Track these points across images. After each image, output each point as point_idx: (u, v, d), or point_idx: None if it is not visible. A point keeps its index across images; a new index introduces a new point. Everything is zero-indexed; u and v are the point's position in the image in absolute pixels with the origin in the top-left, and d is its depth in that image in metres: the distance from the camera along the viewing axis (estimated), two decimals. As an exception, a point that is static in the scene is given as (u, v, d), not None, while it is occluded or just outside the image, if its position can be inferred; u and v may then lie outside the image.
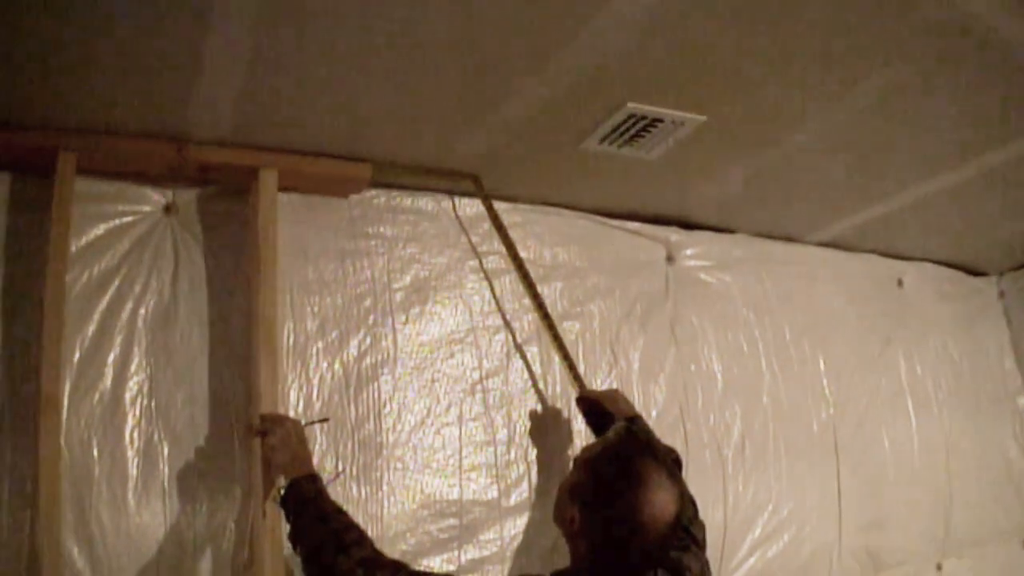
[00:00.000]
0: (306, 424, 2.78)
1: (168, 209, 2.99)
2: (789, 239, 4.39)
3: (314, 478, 2.52)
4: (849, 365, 4.37)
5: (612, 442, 2.47)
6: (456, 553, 3.09)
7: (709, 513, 3.53)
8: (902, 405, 4.55)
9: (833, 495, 4.06)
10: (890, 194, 3.91)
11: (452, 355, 3.30)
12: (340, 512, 2.43)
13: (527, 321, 3.46)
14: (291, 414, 2.90)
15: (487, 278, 3.45)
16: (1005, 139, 3.39)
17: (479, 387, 3.31)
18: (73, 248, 2.77)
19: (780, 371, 4.09)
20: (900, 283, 4.78)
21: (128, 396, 2.79)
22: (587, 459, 2.43)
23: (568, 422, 3.43)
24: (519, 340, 3.44)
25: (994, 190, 3.87)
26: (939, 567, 4.44)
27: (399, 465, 3.08)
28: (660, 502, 2.21)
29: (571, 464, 2.55)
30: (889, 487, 4.30)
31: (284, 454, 2.58)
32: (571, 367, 3.25)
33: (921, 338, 4.75)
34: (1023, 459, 5.00)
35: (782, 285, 4.26)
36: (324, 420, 2.97)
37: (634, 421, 2.99)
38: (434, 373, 3.25)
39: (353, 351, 3.12)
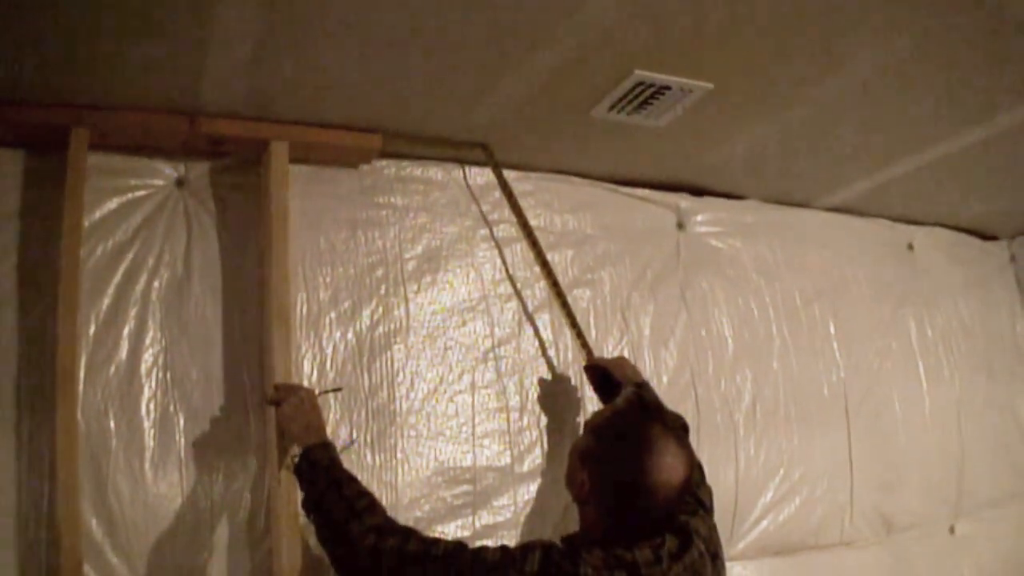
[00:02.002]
0: (320, 393, 2.80)
1: (180, 182, 3.02)
2: (799, 204, 4.38)
3: (327, 446, 2.54)
4: (860, 329, 4.37)
5: (621, 408, 2.49)
6: (470, 519, 3.12)
7: (720, 477, 3.55)
8: (913, 368, 4.55)
9: (844, 458, 4.07)
10: (899, 158, 3.90)
11: (464, 323, 3.32)
12: (353, 479, 2.45)
13: (538, 289, 3.47)
14: (305, 384, 2.94)
15: (498, 246, 3.46)
16: (1015, 102, 3.37)
17: (491, 355, 3.33)
18: (87, 223, 2.80)
19: (790, 336, 4.10)
20: (911, 247, 4.77)
21: (144, 368, 2.82)
22: (596, 424, 2.45)
23: (579, 388, 3.44)
24: (531, 308, 3.46)
25: (1005, 154, 3.86)
26: (952, 529, 4.45)
27: (413, 433, 3.11)
28: (668, 467, 2.23)
29: (582, 429, 2.56)
30: (901, 450, 4.31)
31: (297, 423, 2.60)
32: (579, 335, 3.26)
33: (932, 302, 4.75)
34: (1034, 422, 5.01)
35: (792, 250, 4.26)
36: (337, 389, 2.99)
37: (642, 387, 3.00)
38: (446, 341, 3.27)
39: (366, 320, 3.14)
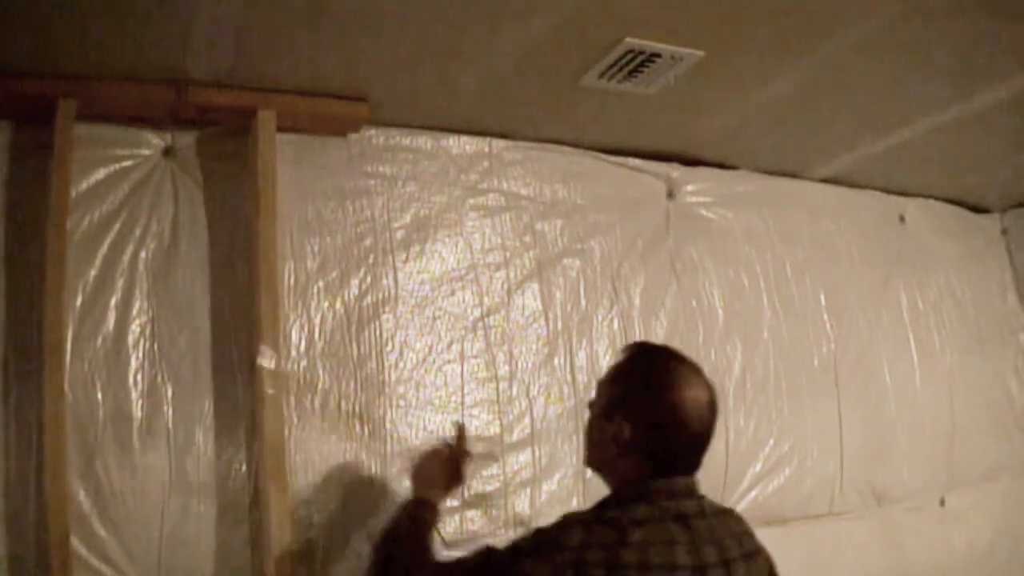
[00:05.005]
0: (468, 456, 2.74)
1: (167, 152, 3.01)
2: (791, 175, 4.37)
3: (424, 504, 2.52)
4: (850, 300, 4.37)
5: (633, 351, 2.43)
6: (460, 488, 3.09)
7: (710, 447, 3.55)
8: (904, 340, 4.55)
9: (834, 429, 4.08)
10: (892, 129, 3.90)
11: (453, 293, 3.31)
12: (427, 547, 2.39)
13: (527, 258, 3.47)
14: (292, 353, 2.96)
15: (487, 216, 3.46)
16: (1007, 74, 3.37)
17: (480, 324, 3.33)
18: (73, 193, 2.79)
19: (781, 306, 4.10)
20: (902, 219, 4.76)
21: (131, 339, 2.81)
22: (616, 374, 2.36)
23: (568, 357, 3.45)
24: (520, 277, 3.45)
25: (996, 126, 3.86)
26: (942, 501, 4.46)
27: (402, 403, 3.11)
28: (697, 385, 2.20)
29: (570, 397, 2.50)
30: (891, 422, 4.33)
31: (420, 473, 2.63)
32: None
33: (923, 274, 4.75)
34: (1026, 394, 5.03)
35: (783, 221, 4.26)
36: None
37: None
38: (435, 311, 3.26)
39: (354, 290, 3.14)
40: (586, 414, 2.38)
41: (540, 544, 2.07)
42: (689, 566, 2.02)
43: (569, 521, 2.10)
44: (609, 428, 2.24)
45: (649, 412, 2.21)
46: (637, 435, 2.20)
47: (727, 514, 2.25)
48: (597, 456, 2.34)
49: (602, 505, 2.20)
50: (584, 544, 2.01)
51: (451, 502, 3.04)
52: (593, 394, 2.38)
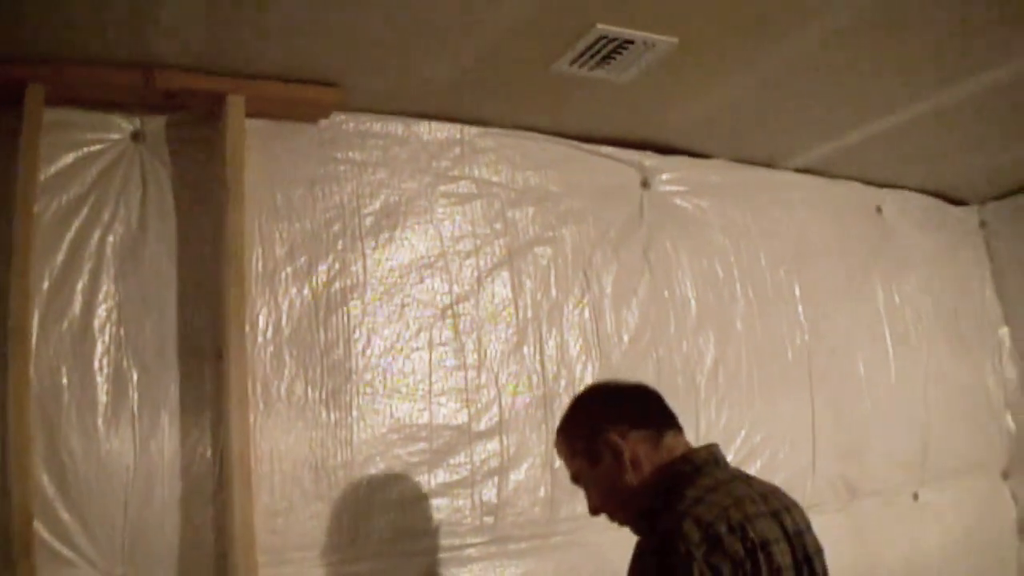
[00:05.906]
0: None
1: (136, 137, 2.99)
2: (766, 165, 4.36)
3: None
4: (825, 292, 4.35)
5: (557, 430, 2.46)
6: (426, 477, 3.12)
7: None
8: (879, 334, 4.54)
9: (807, 422, 4.07)
10: (869, 119, 3.88)
11: (422, 280, 3.30)
12: None
13: (498, 246, 3.46)
14: (259, 339, 2.95)
15: (458, 203, 3.45)
16: (985, 65, 3.36)
17: (449, 312, 3.32)
18: (41, 178, 2.78)
19: (755, 298, 4.08)
20: (879, 210, 4.75)
21: (97, 323, 2.80)
22: (566, 437, 2.40)
23: (538, 346, 3.45)
24: (490, 265, 3.44)
25: (974, 117, 3.85)
26: (916, 496, 4.45)
27: (368, 390, 3.10)
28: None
29: (558, 451, 2.46)
30: (865, 415, 4.31)
31: None
32: None
33: (900, 266, 4.73)
34: (1002, 390, 5.02)
35: (759, 211, 4.24)
36: None
37: None
38: (404, 298, 3.25)
39: (322, 276, 3.13)
40: (590, 509, 2.36)
41: (684, 551, 1.97)
42: (767, 512, 2.08)
43: (670, 527, 2.04)
44: (606, 460, 2.27)
45: (607, 408, 2.34)
46: (625, 426, 2.27)
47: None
48: (623, 496, 2.28)
49: (672, 503, 2.12)
50: (705, 528, 1.99)
51: (415, 491, 3.07)
52: (573, 480, 2.40)
